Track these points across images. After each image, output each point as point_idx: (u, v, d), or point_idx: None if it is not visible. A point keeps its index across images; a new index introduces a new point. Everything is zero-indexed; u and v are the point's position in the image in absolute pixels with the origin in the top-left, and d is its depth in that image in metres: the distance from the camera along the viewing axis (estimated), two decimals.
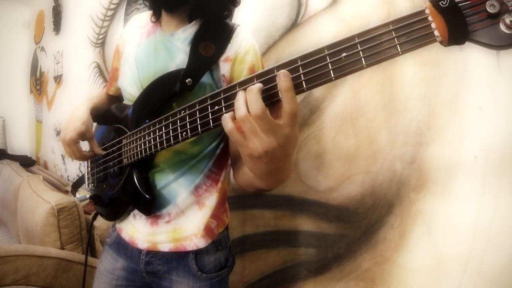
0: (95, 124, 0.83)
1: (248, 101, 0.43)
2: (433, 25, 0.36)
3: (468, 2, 0.35)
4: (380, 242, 0.87)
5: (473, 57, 0.71)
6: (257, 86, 0.43)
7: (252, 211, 1.17)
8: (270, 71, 0.44)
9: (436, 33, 0.36)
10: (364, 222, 0.90)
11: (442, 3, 0.35)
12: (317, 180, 0.99)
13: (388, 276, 0.85)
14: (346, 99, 0.91)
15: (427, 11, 0.36)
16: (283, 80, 0.41)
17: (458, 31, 0.35)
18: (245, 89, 0.45)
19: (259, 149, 0.44)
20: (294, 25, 1.02)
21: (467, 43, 0.37)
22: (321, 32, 0.96)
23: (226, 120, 0.46)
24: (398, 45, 0.37)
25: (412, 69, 0.80)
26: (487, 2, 0.34)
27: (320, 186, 0.99)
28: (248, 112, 0.43)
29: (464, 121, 0.73)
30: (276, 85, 0.43)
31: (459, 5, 0.35)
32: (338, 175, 0.95)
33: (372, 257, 0.89)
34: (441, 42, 0.36)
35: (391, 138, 0.84)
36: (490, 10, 0.34)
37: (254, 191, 0.64)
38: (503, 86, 0.68)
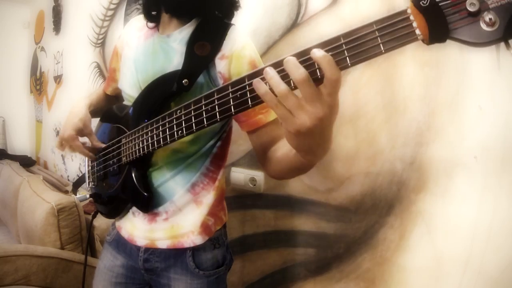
0: (94, 120, 0.84)
1: (288, 71, 0.41)
2: (414, 24, 0.37)
3: (449, 1, 0.36)
4: (380, 242, 0.87)
5: (473, 57, 0.71)
6: (292, 57, 0.41)
7: (252, 211, 1.17)
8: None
9: (417, 32, 0.37)
10: (364, 222, 0.90)
11: (422, 3, 0.36)
12: (317, 180, 0.99)
13: (388, 276, 0.85)
14: (346, 99, 0.91)
15: (408, 10, 0.37)
16: (317, 50, 0.40)
17: (438, 30, 0.36)
18: (272, 65, 0.43)
19: (307, 123, 0.42)
20: (294, 25, 1.02)
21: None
22: (321, 32, 0.96)
23: (269, 97, 0.43)
24: (381, 44, 0.38)
25: (412, 70, 0.80)
26: (467, 1, 0.34)
27: (320, 186, 0.99)
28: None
29: (464, 121, 0.73)
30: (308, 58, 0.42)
31: (440, 4, 0.36)
32: (338, 175, 0.95)
33: (372, 257, 0.89)
34: (423, 41, 0.37)
35: (391, 139, 0.84)
36: (470, 8, 0.34)
37: (294, 175, 0.63)
38: (503, 86, 0.68)
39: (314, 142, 0.46)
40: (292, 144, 0.49)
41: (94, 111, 0.86)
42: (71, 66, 2.50)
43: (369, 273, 0.89)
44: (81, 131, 0.78)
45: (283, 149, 0.61)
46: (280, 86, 0.41)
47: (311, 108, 0.41)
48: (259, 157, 0.72)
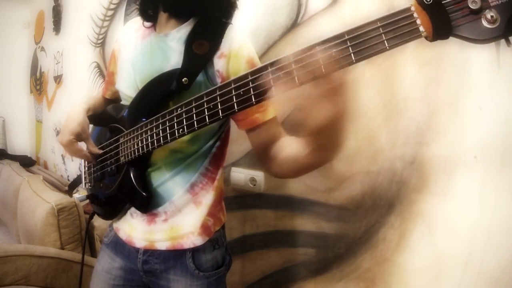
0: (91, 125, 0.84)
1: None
2: (418, 21, 0.37)
3: None
4: (380, 242, 0.87)
5: (473, 57, 0.71)
6: None
7: (252, 211, 1.17)
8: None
9: (421, 28, 0.37)
10: (364, 222, 0.90)
11: (426, 1, 0.37)
12: (317, 180, 0.99)
13: (388, 276, 0.85)
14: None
15: (412, 8, 0.38)
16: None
17: (442, 27, 0.37)
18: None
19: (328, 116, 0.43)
20: (294, 25, 1.02)
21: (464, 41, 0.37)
22: (321, 32, 0.95)
23: None
24: (385, 41, 0.39)
25: (412, 70, 0.80)
26: None
27: (320, 186, 0.99)
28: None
29: (464, 121, 0.73)
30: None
31: (443, 2, 0.37)
32: (338, 175, 0.95)
33: (372, 257, 0.89)
34: (426, 37, 0.38)
35: (391, 138, 0.84)
36: (472, 6, 0.35)
37: (302, 174, 0.64)
38: (503, 86, 0.68)
39: (331, 139, 0.48)
40: (310, 143, 0.51)
41: (92, 117, 0.84)
42: (71, 66, 2.50)
43: (369, 272, 0.89)
44: (79, 136, 0.76)
45: (290, 149, 0.61)
46: None
47: (329, 102, 0.42)
48: (259, 156, 0.71)
